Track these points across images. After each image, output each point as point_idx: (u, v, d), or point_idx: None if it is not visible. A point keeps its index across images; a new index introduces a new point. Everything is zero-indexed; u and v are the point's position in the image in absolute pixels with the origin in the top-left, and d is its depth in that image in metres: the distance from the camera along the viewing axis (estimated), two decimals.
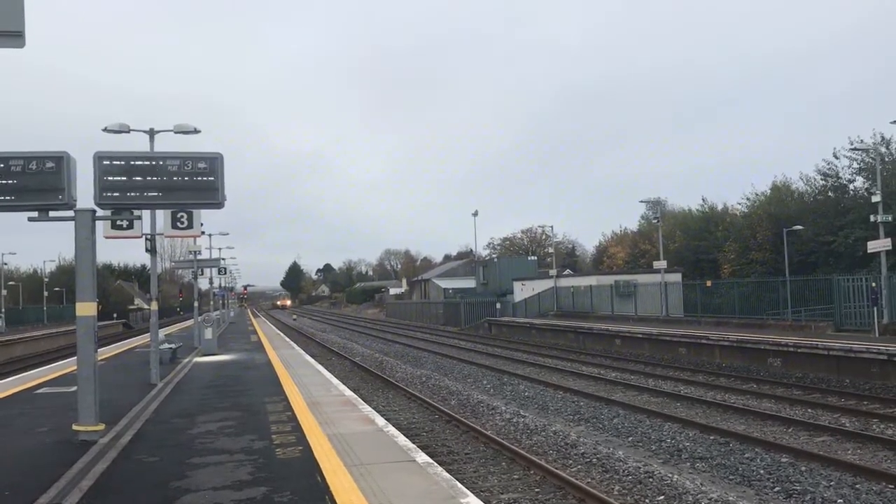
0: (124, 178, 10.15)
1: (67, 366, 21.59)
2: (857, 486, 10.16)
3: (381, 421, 11.32)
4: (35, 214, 10.11)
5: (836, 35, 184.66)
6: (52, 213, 10.17)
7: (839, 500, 9.52)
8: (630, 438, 14.06)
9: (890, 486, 10.11)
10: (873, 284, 25.80)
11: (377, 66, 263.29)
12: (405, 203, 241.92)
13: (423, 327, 62.53)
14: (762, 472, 11.07)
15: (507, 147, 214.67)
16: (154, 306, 19.45)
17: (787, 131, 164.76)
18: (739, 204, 55.02)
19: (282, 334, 43.26)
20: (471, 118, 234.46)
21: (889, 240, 28.21)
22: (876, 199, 28.66)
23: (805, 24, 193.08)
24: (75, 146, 10.04)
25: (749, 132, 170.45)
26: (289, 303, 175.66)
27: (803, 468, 11.15)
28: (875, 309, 25.07)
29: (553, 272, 53.60)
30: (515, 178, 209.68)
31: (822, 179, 45.50)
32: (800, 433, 13.98)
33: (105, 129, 18.21)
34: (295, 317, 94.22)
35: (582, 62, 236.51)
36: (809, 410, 16.32)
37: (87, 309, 10.27)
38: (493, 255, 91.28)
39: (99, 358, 10.95)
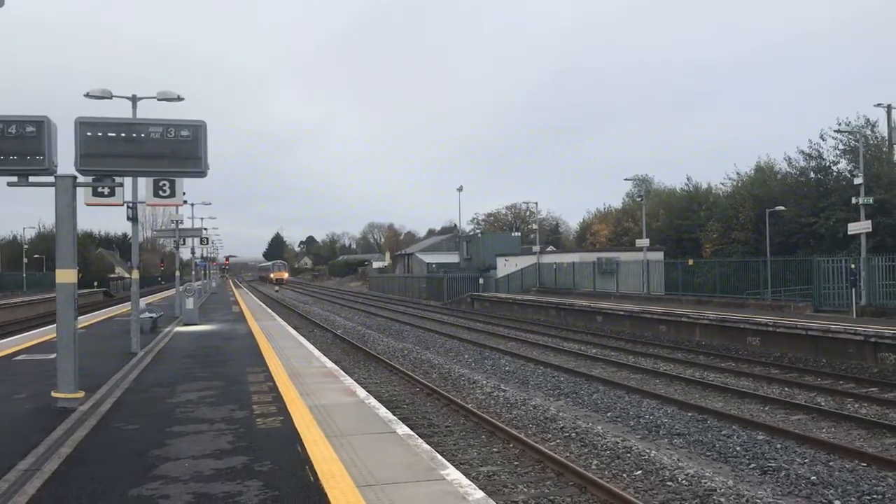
0: (106, 145, 10.02)
1: (47, 333, 21.44)
2: (831, 463, 10.33)
3: (362, 393, 11.34)
4: (14, 179, 9.96)
5: (826, 26, 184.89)
6: (32, 179, 10.01)
7: (813, 477, 9.67)
8: (609, 414, 14.20)
9: (862, 464, 10.29)
10: (852, 266, 26.07)
11: (366, 42, 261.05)
12: (390, 177, 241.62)
13: (405, 301, 62.59)
14: (738, 448, 11.22)
15: (496, 125, 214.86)
16: (135, 275, 19.31)
17: (774, 116, 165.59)
18: (723, 184, 55.27)
19: (263, 305, 43.17)
20: (460, 97, 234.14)
21: (869, 222, 28.49)
22: (858, 181, 28.88)
23: (796, 13, 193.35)
24: (54, 111, 9.89)
25: (738, 116, 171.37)
26: (286, 275, 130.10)
27: (779, 445, 11.31)
28: (853, 290, 25.38)
29: (536, 248, 53.72)
30: (502, 155, 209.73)
31: (805, 161, 45.74)
32: (776, 411, 14.17)
33: (87, 95, 17.94)
34: (277, 289, 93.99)
35: (572, 44, 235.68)
36: (786, 389, 16.53)
37: (67, 276, 10.18)
38: (478, 231, 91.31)
39: (79, 326, 10.88)
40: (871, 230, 28.76)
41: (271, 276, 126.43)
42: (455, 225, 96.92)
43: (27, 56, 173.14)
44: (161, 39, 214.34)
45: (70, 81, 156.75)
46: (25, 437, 8.31)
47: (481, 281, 55.70)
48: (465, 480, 6.58)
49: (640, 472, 9.96)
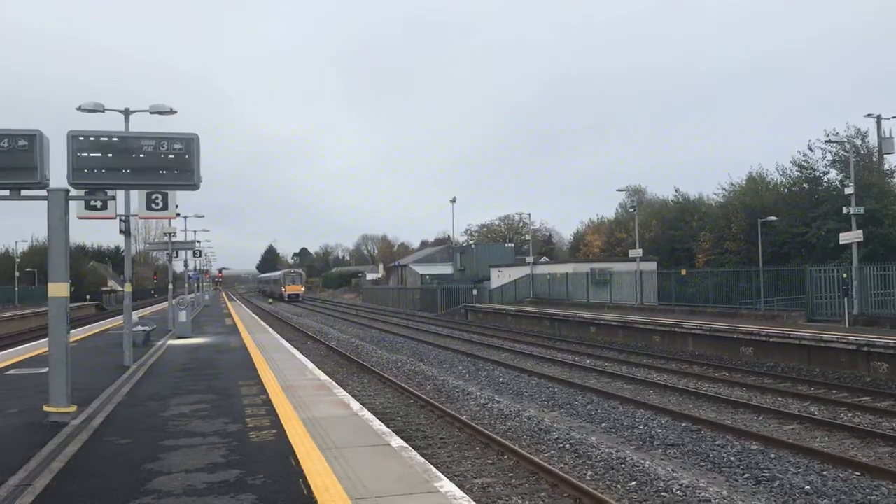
0: (98, 158, 10.01)
1: (39, 347, 21.35)
2: (825, 472, 10.34)
3: (356, 405, 11.32)
4: (7, 193, 9.94)
5: (811, 40, 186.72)
6: (24, 193, 9.99)
7: (807, 487, 9.68)
8: (603, 425, 14.19)
9: (856, 473, 10.30)
10: (844, 275, 26.13)
11: (360, 55, 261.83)
12: (384, 189, 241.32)
13: (399, 313, 62.51)
14: (733, 458, 11.23)
15: (489, 137, 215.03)
16: (128, 288, 19.23)
17: (767, 127, 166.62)
18: (716, 194, 55.39)
19: (257, 318, 43.05)
20: (453, 109, 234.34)
21: (860, 232, 28.59)
22: (849, 191, 29.01)
23: (789, 25, 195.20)
24: (47, 125, 9.89)
25: (732, 126, 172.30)
26: (302, 289, 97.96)
27: (773, 455, 11.32)
28: (845, 300, 25.41)
29: (530, 259, 53.77)
30: (495, 167, 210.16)
31: (798, 171, 45.91)
32: (770, 421, 14.18)
33: (79, 108, 17.99)
34: (270, 301, 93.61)
35: (564, 56, 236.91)
36: (780, 399, 16.55)
37: (59, 290, 10.14)
38: (471, 242, 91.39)
39: (71, 339, 10.84)
40: (862, 240, 28.86)
41: (283, 290, 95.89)
42: (449, 236, 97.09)
43: (21, 66, 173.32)
44: (153, 57, 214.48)
45: (64, 94, 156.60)
46: (17, 452, 8.26)
47: (475, 292, 55.67)
48: (459, 492, 6.57)
49: (634, 482, 9.96)
